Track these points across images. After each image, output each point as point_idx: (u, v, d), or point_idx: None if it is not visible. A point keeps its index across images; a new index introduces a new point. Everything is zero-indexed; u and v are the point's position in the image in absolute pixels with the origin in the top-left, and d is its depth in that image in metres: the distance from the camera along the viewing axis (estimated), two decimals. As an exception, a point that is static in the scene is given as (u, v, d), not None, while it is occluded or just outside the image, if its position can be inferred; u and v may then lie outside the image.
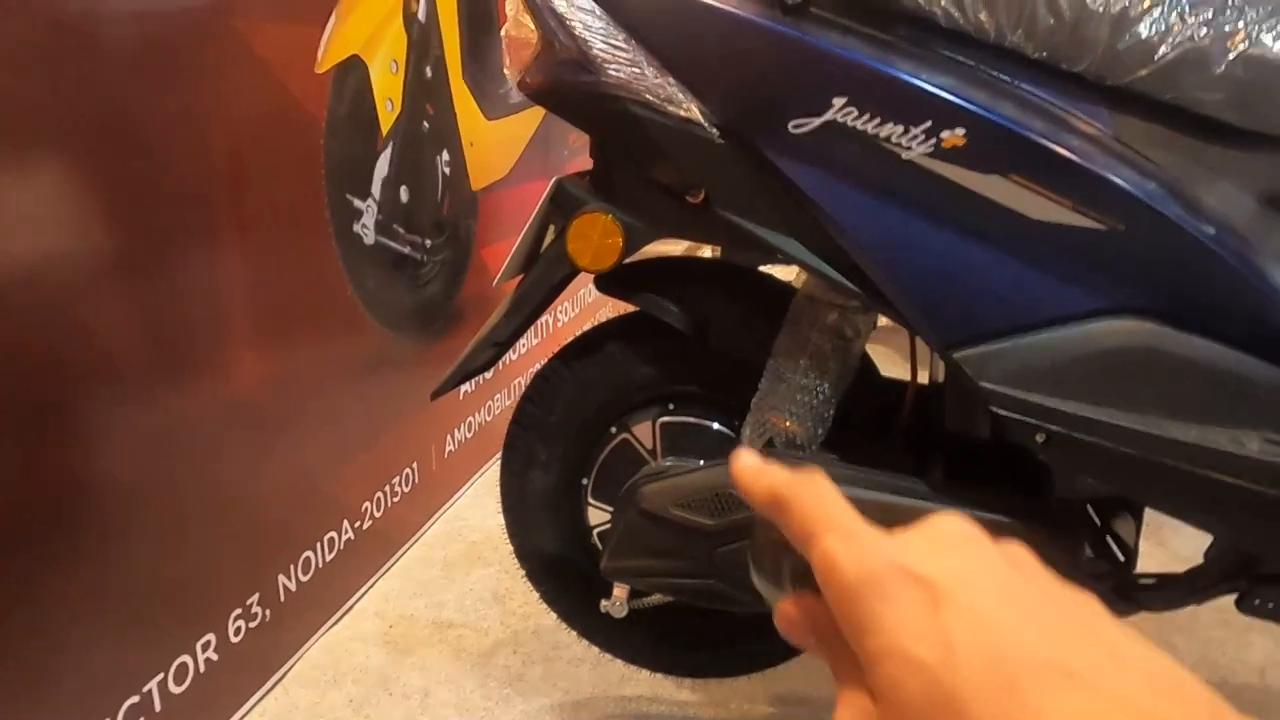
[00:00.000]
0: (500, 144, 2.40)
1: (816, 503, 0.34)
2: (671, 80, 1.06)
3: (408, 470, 2.01)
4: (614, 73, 1.07)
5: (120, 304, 1.25)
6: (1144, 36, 0.96)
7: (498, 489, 1.44)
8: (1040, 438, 1.01)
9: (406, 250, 1.97)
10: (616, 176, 1.20)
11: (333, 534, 1.74)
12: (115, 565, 1.25)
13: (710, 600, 1.26)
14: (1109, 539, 1.23)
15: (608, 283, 1.32)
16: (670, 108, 1.06)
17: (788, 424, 1.20)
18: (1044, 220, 0.97)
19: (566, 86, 1.12)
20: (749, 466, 0.36)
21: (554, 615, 1.48)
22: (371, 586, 1.89)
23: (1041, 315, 1.01)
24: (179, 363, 1.36)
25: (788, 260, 1.09)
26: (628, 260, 1.30)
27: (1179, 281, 0.98)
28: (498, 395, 2.44)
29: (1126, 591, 1.19)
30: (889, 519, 0.35)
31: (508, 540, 1.45)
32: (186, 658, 1.38)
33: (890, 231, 1.02)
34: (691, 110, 1.06)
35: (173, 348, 1.34)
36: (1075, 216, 0.96)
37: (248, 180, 1.47)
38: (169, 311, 1.33)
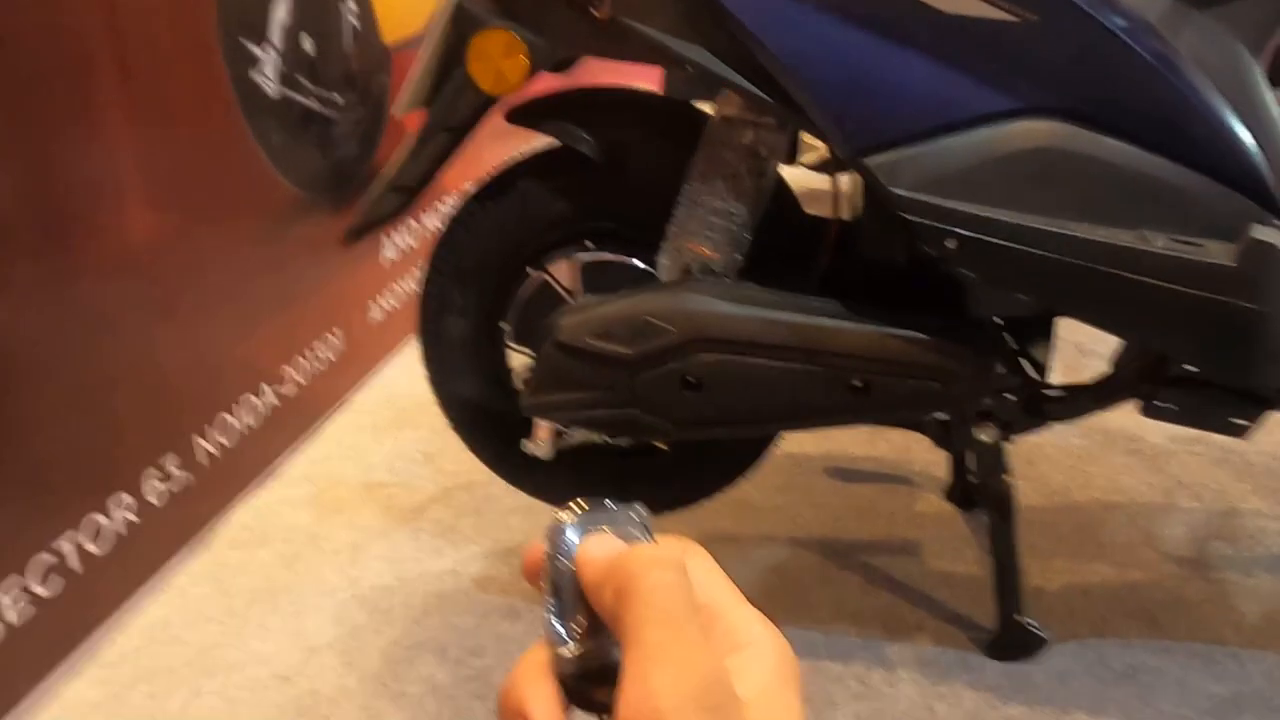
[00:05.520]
0: (412, -5, 2.27)
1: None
2: (570, -124, 0.99)
3: (329, 336, 1.96)
4: None
5: (3, 166, 1.17)
6: None
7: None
8: (951, 244, 1.00)
9: (315, 105, 1.87)
10: (518, -10, 1.13)
11: (250, 396, 1.70)
12: (7, 425, 1.20)
13: (631, 431, 1.26)
14: (1021, 360, 1.25)
15: (517, 114, 1.26)
16: (570, -93, 0.99)
17: (704, 250, 1.18)
18: (956, 13, 0.93)
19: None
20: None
21: (486, 470, 1.47)
22: (298, 451, 1.86)
23: (954, 117, 0.98)
24: (68, 223, 1.28)
25: (696, 71, 1.05)
26: (540, 95, 1.26)
27: (1091, 77, 0.96)
28: (421, 262, 2.38)
29: (1036, 405, 1.21)
30: None
31: (437, 404, 1.43)
32: (99, 516, 1.35)
33: (800, 34, 0.98)
34: (592, -91, 0.99)
35: (60, 207, 1.26)
36: (987, 8, 0.93)
37: (130, 18, 1.36)
38: (53, 170, 1.24)
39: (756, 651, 0.29)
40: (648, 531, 0.33)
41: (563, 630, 0.31)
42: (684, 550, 0.32)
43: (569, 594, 0.32)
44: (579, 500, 0.34)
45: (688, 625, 0.28)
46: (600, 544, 0.32)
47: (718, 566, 0.32)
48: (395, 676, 1.31)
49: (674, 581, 0.29)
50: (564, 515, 0.34)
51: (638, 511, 0.34)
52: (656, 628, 0.27)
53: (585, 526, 0.33)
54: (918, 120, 0.99)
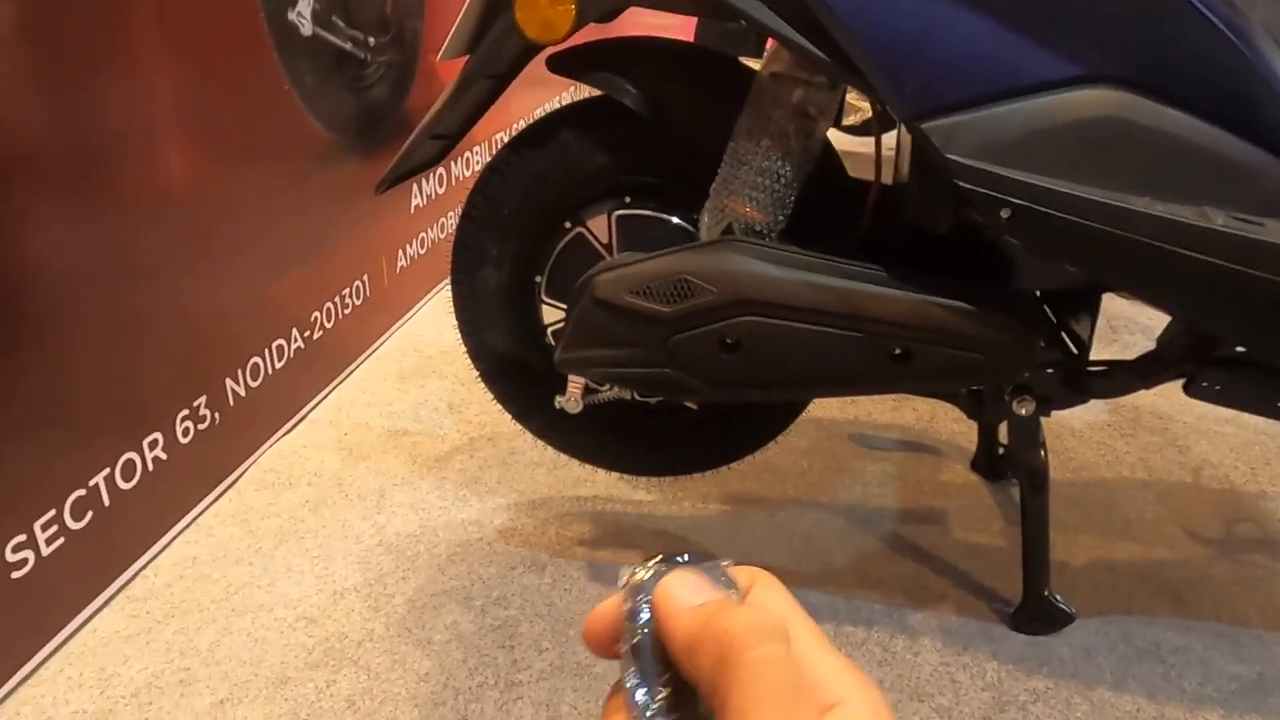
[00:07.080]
0: (447, -63, 2.22)
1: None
2: None
3: (358, 283, 1.96)
4: None
5: (39, 105, 1.15)
6: None
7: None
8: (1005, 213, 0.98)
9: (348, 46, 1.84)
10: (569, -64, 1.10)
11: (281, 341, 1.70)
12: (45, 363, 1.20)
13: (664, 390, 1.25)
14: (1064, 334, 1.23)
15: (560, 63, 1.24)
16: None
17: (747, 210, 1.16)
18: (1024, -26, 0.90)
19: None
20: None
21: (511, 423, 1.47)
22: (325, 397, 1.87)
23: (1015, 83, 0.96)
24: (104, 162, 1.27)
25: (750, 24, 1.02)
26: (583, 44, 1.23)
27: (1159, 45, 0.93)
28: (451, 212, 2.36)
29: (1077, 381, 1.20)
30: None
31: (463, 354, 1.42)
32: (133, 455, 1.36)
33: (861, -10, 0.95)
34: None
35: (96, 146, 1.25)
36: (1057, -30, 0.90)
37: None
38: (88, 108, 1.23)
39: (850, 711, 0.28)
40: (732, 585, 0.30)
41: (648, 699, 0.28)
42: (756, 581, 0.31)
43: (651, 655, 0.29)
44: (656, 556, 0.31)
45: (798, 706, 0.26)
46: (686, 586, 0.29)
47: (796, 603, 0.30)
48: (421, 623, 1.32)
49: (781, 657, 0.27)
50: (642, 572, 0.30)
51: (718, 566, 0.31)
52: (767, 709, 0.26)
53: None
54: (978, 85, 0.96)
